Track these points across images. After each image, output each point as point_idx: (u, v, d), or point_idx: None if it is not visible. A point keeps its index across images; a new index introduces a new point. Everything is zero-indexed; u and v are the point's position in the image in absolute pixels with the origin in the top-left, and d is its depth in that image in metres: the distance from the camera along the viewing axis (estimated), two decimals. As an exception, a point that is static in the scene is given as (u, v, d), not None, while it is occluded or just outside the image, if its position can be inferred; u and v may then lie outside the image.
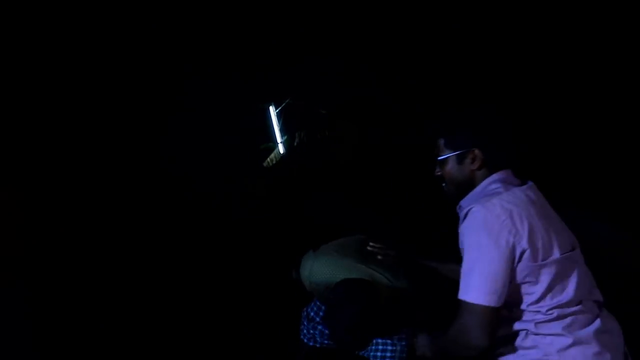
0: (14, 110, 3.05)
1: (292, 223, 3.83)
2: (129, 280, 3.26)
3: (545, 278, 1.56)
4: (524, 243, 1.54)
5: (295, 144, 4.50)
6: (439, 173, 1.79)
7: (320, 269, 2.13)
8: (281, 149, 4.52)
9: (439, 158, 1.77)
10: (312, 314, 2.35)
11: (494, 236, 1.53)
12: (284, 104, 4.45)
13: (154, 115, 3.82)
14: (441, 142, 1.77)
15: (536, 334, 1.59)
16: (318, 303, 2.33)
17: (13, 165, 3.02)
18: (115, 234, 3.46)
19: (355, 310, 2.04)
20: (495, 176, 1.69)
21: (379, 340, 2.22)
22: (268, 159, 4.46)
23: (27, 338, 2.71)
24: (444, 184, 1.81)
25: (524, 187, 1.67)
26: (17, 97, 3.06)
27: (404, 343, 2.25)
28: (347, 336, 2.08)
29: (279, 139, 4.50)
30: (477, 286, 1.53)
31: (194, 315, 3.21)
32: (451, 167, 1.75)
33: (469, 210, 1.61)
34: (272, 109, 4.45)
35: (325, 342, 2.28)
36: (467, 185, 1.74)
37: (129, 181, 3.64)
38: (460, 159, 1.73)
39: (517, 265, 1.56)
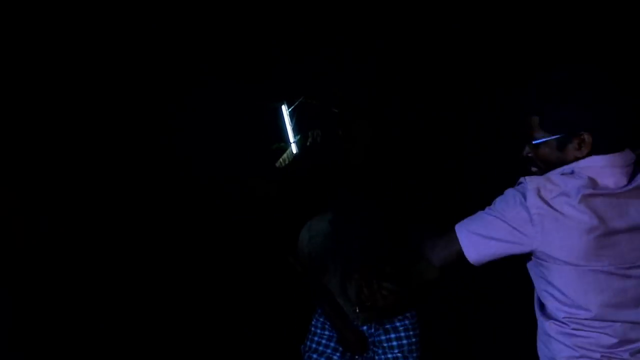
0: (15, 111, 3.05)
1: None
2: (133, 280, 3.24)
3: (560, 282, 1.40)
4: (542, 245, 1.40)
5: (308, 143, 4.42)
6: (529, 155, 1.50)
7: (318, 222, 2.21)
8: (294, 149, 4.43)
9: (533, 142, 1.44)
10: (308, 342, 2.31)
11: (514, 222, 1.42)
12: (296, 103, 4.37)
13: (162, 116, 3.80)
14: (535, 119, 1.43)
15: (549, 336, 1.50)
16: (313, 329, 2.30)
17: (13, 165, 3.02)
18: (122, 235, 3.44)
19: (362, 216, 2.09)
20: (592, 161, 1.38)
21: (390, 357, 2.16)
22: (280, 160, 4.38)
23: (26, 338, 2.70)
24: (533, 168, 1.52)
25: (623, 187, 1.37)
26: (19, 97, 3.06)
27: (415, 355, 2.19)
28: (359, 244, 2.07)
29: (291, 138, 4.42)
30: (471, 235, 1.48)
31: (199, 315, 3.18)
32: (549, 153, 1.43)
33: (522, 181, 1.42)
34: (284, 108, 4.37)
35: None
36: None
37: (137, 183, 3.62)
38: (561, 144, 1.40)
39: (530, 256, 1.48)
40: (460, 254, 1.51)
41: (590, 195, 1.35)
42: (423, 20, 3.68)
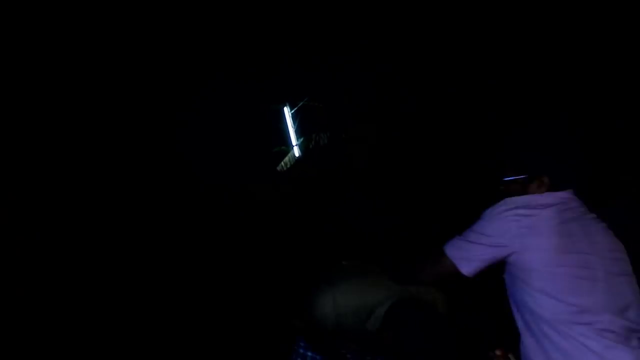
0: (19, 113, 2.98)
1: (307, 227, 3.63)
2: (134, 283, 3.14)
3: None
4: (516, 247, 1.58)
5: (311, 146, 4.28)
6: (501, 187, 1.75)
7: (345, 296, 1.93)
8: (296, 152, 4.29)
9: (504, 179, 1.72)
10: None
11: (495, 228, 1.60)
12: (299, 105, 4.24)
13: (163, 118, 3.70)
14: (507, 161, 1.73)
15: None
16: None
17: (15, 166, 2.95)
18: (123, 238, 3.34)
19: (425, 333, 1.87)
20: (545, 197, 1.64)
21: None
22: (282, 163, 4.24)
23: (28, 339, 2.61)
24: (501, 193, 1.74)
25: (558, 206, 1.62)
26: (22, 97, 2.99)
27: None
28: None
29: (293, 141, 4.28)
30: (457, 245, 1.63)
31: (200, 317, 3.06)
32: (514, 189, 1.69)
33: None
34: (286, 109, 4.24)
35: None
36: None
37: (137, 186, 3.53)
38: (525, 183, 1.68)
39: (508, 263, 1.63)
40: (454, 272, 1.63)
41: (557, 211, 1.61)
42: (426, 24, 3.57)
